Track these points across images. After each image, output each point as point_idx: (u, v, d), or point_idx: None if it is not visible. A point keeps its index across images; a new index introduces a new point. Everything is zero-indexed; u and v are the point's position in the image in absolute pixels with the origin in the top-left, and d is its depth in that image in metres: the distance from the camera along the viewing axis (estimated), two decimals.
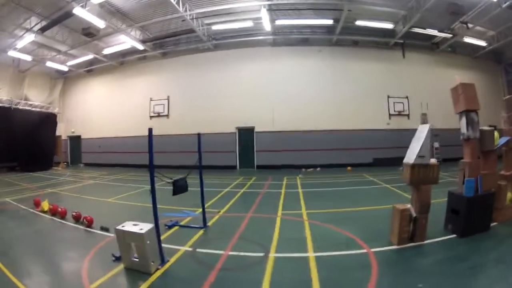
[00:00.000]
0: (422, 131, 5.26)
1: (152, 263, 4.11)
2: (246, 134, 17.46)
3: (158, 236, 4.33)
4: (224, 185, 12.04)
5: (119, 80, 20.77)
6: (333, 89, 16.63)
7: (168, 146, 18.31)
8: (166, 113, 18.99)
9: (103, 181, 13.79)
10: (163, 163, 17.67)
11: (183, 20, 14.63)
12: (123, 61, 20.41)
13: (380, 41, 16.46)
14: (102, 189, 11.69)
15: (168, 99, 18.95)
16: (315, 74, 17.00)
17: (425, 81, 16.58)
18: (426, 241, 4.96)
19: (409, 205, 5.29)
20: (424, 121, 15.28)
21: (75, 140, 22.48)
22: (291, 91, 16.85)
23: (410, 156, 5.19)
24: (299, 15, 14.36)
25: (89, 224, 6.36)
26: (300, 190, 9.94)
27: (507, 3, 11.10)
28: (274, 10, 13.88)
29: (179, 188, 5.63)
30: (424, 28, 14.12)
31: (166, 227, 6.12)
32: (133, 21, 15.20)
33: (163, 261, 4.32)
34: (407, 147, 14.61)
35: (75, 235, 5.97)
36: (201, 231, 5.80)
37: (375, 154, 16.17)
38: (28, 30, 14.14)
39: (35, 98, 20.13)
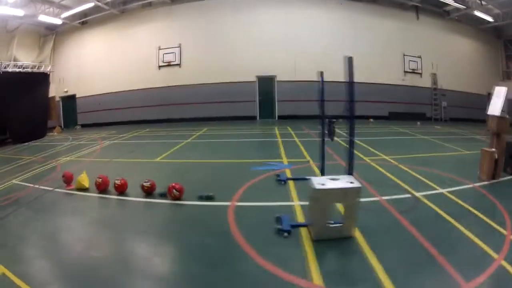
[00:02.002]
0: (500, 91, 6.52)
1: None
2: (266, 84, 17.49)
3: None
4: (269, 135, 12.51)
5: (120, 30, 19.00)
6: (352, 42, 16.93)
7: (180, 98, 17.92)
8: (177, 62, 18.10)
9: (120, 140, 12.62)
10: (173, 116, 17.85)
11: None
12: (124, 9, 18.61)
13: (395, 1, 17.11)
14: (131, 150, 10.44)
15: (179, 47, 17.99)
16: (335, 26, 17.26)
17: (435, 44, 17.69)
18: (500, 179, 6.26)
19: (493, 149, 6.62)
20: (434, 81, 16.86)
21: (69, 101, 20.15)
22: (312, 41, 16.93)
23: (494, 110, 6.47)
24: None
25: (180, 195, 5.25)
26: (355, 139, 10.80)
27: None
28: None
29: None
30: None
31: (282, 182, 5.96)
32: None
33: None
34: (419, 104, 15.98)
35: (179, 217, 4.81)
36: None
37: (390, 108, 17.24)
38: None
39: (24, 58, 17.83)
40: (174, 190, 5.24)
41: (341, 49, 16.59)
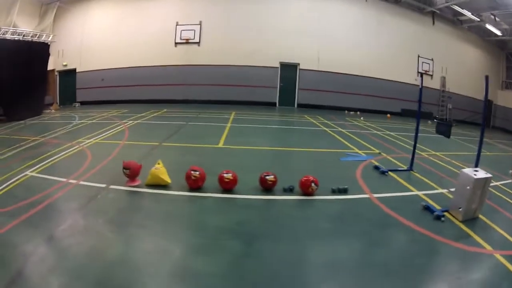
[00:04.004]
0: None
1: None
2: (289, 71, 18.36)
3: None
4: (307, 123, 13.41)
5: (132, 1, 18.69)
6: (373, 39, 18.48)
7: (198, 78, 18.18)
8: (197, 40, 18.28)
9: (143, 120, 12.20)
10: (190, 97, 18.29)
11: None
12: None
13: (415, 5, 18.90)
14: (171, 132, 9.91)
15: (200, 24, 18.19)
16: (359, 22, 18.56)
17: (447, 49, 19.70)
18: None
19: None
20: (443, 83, 19.30)
21: (68, 75, 19.09)
22: (337, 33, 18.13)
23: None
24: None
25: (316, 189, 5.23)
26: (393, 133, 12.34)
27: None
28: None
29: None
30: (462, 8, 17.14)
31: (386, 173, 6.85)
32: None
33: None
34: (428, 103, 18.46)
35: (333, 214, 4.88)
36: (415, 173, 7.05)
37: (403, 105, 19.00)
38: None
39: (24, 26, 16.75)
40: (312, 184, 5.09)
41: (363, 44, 18.30)
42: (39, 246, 3.54)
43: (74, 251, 3.56)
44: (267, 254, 3.77)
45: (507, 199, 6.28)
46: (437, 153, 9.75)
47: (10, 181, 5.45)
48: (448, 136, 6.68)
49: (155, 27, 18.39)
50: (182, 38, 18.50)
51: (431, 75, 19.49)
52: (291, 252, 3.84)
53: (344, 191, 5.47)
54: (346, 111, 17.79)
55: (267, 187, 5.31)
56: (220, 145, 8.51)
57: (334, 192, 5.44)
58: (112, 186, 5.21)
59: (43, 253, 3.45)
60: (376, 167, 7.30)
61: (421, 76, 7.75)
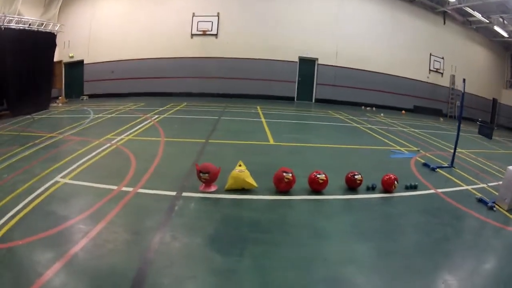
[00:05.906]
0: None
1: None
2: (307, 65, 19.63)
3: None
4: (337, 119, 14.39)
5: None
6: (389, 36, 20.06)
7: (216, 71, 19.01)
8: (214, 32, 19.03)
9: (167, 114, 12.27)
10: (207, 90, 19.32)
11: None
12: None
13: (428, 4, 20.67)
14: (209, 128, 9.90)
15: (218, 16, 18.92)
16: (375, 19, 20.02)
17: (456, 48, 21.62)
18: None
19: None
20: (452, 82, 21.57)
21: (74, 67, 19.43)
22: (354, 30, 19.48)
23: None
24: None
25: (397, 186, 5.90)
26: (417, 130, 13.65)
27: None
28: None
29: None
30: (474, 10, 18.98)
31: (435, 170, 7.79)
32: None
33: None
34: (438, 100, 21.25)
35: (418, 208, 5.52)
36: (457, 170, 8.07)
37: (415, 102, 20.89)
38: None
39: (29, 15, 16.22)
40: (395, 182, 5.71)
41: (379, 41, 19.94)
42: None
43: None
44: (397, 249, 4.22)
45: None
46: (463, 150, 11.00)
47: (38, 191, 4.53)
48: (490, 138, 8.14)
49: (170, 18, 18.94)
50: (199, 29, 19.19)
51: (442, 73, 21.53)
52: (416, 244, 4.44)
53: (415, 187, 6.22)
54: (362, 107, 19.35)
55: (355, 187, 5.78)
56: (271, 142, 8.69)
57: (407, 188, 6.14)
58: (185, 194, 4.67)
59: None
60: (425, 164, 8.28)
61: (464, 81, 8.61)
